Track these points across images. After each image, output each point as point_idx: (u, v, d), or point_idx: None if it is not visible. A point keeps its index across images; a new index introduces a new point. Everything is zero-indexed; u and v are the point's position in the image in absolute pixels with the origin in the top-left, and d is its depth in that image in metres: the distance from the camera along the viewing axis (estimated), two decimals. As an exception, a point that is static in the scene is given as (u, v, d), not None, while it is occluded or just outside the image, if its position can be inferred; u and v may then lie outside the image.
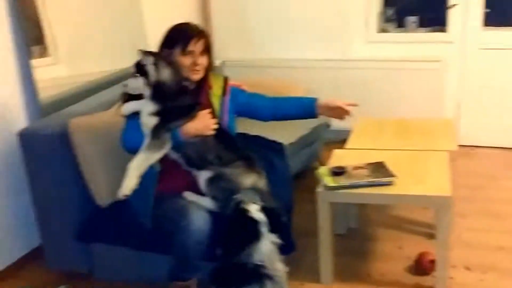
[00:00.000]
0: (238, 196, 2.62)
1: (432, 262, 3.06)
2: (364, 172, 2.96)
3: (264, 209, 2.60)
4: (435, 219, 2.90)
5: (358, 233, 3.70)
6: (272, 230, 2.58)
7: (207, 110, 2.78)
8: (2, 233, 3.38)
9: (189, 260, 2.67)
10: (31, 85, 3.41)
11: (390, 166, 2.99)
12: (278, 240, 2.60)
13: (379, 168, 2.99)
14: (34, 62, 3.42)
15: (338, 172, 2.96)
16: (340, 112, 3.03)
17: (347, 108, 3.00)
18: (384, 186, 2.87)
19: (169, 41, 2.88)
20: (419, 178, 2.98)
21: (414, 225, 3.74)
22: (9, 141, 3.29)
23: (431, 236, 3.48)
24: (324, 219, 2.98)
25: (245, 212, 2.56)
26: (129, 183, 2.61)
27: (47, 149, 3.05)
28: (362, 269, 3.29)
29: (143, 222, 2.83)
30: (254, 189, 2.73)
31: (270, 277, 2.54)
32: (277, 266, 2.55)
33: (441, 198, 2.80)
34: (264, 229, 2.54)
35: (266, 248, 2.51)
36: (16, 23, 3.32)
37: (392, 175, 2.90)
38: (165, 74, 2.67)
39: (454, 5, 4.96)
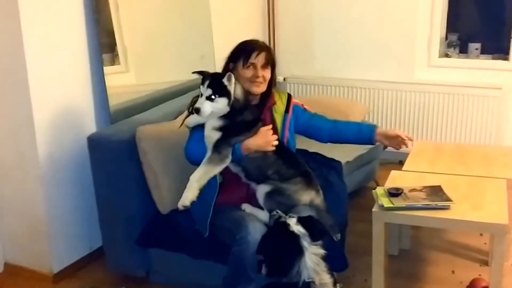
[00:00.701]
0: (277, 212, 2.60)
1: (485, 288, 3.06)
2: (421, 194, 2.96)
3: (301, 220, 2.55)
4: (490, 246, 2.89)
5: (410, 255, 3.69)
6: (314, 238, 2.51)
7: (269, 126, 2.82)
8: (68, 232, 3.48)
9: (245, 271, 2.69)
10: (102, 92, 3.50)
11: (447, 190, 2.98)
12: (322, 251, 2.52)
13: (436, 191, 2.98)
14: (105, 69, 3.50)
15: (394, 193, 2.96)
16: (397, 142, 3.08)
17: (406, 138, 3.06)
18: (440, 210, 2.86)
19: (233, 55, 2.96)
20: (476, 204, 2.96)
21: (467, 250, 3.71)
22: (79, 144, 3.37)
23: (484, 263, 3.47)
24: (379, 240, 2.97)
25: (284, 226, 2.52)
26: (189, 195, 2.68)
27: (114, 155, 3.15)
28: (414, 291, 3.30)
29: (200, 230, 2.92)
30: (311, 205, 2.78)
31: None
32: (324, 278, 2.51)
33: (497, 225, 2.79)
34: (305, 242, 2.48)
35: (312, 261, 2.46)
36: (91, 31, 3.43)
37: (449, 200, 2.89)
38: (238, 90, 2.74)
39: (518, 33, 4.93)
